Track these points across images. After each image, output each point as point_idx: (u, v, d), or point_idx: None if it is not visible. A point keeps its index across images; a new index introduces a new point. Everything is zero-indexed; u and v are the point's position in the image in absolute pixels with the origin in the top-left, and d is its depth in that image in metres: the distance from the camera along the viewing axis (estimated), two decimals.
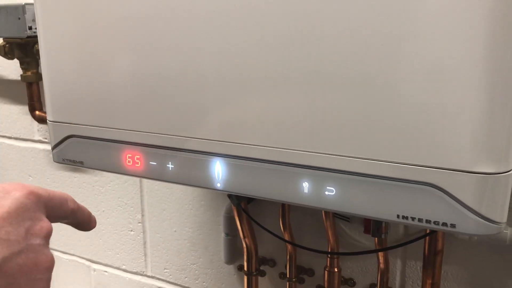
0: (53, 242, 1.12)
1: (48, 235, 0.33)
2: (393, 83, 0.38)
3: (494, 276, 0.69)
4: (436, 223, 0.39)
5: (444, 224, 0.39)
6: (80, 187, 1.04)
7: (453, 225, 0.39)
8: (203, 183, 0.49)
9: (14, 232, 0.30)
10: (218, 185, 0.49)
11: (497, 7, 0.34)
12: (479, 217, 0.38)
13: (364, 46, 0.39)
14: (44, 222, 0.33)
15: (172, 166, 0.50)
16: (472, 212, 0.38)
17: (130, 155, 0.53)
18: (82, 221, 0.39)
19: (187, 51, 0.46)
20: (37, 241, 0.32)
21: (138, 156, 0.52)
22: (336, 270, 0.73)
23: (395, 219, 0.41)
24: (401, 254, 0.74)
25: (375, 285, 0.73)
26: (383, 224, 0.64)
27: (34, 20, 0.83)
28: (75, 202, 0.38)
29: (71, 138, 0.56)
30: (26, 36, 0.83)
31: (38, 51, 0.88)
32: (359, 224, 0.73)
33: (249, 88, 0.44)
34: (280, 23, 0.41)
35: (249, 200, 0.78)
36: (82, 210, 0.39)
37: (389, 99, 0.39)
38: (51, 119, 0.57)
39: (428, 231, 0.65)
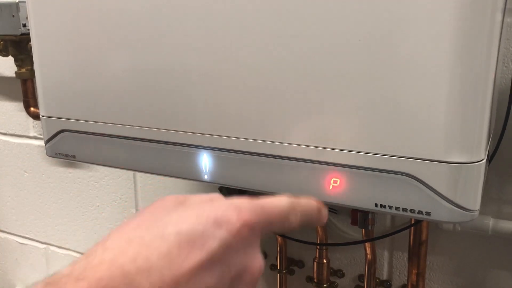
0: (48, 237, 1.13)
1: (258, 277, 0.28)
2: (370, 77, 0.40)
3: (478, 265, 0.70)
4: (412, 211, 0.41)
5: (420, 212, 0.41)
6: (75, 182, 1.05)
7: (428, 213, 0.40)
8: (191, 175, 0.51)
9: (217, 284, 0.25)
10: (206, 177, 0.50)
11: (465, 7, 0.36)
12: (453, 205, 0.40)
13: (342, 43, 0.40)
14: (256, 263, 0.27)
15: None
16: (446, 200, 0.39)
17: None
18: (308, 224, 0.32)
19: (174, 48, 0.47)
20: None
21: None
22: (325, 261, 0.75)
23: (374, 207, 0.42)
24: (388, 246, 0.76)
25: (363, 276, 0.75)
26: (370, 216, 0.65)
27: (28, 18, 0.84)
28: (296, 213, 0.30)
29: (63, 133, 0.58)
30: (20, 33, 0.84)
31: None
32: (346, 216, 0.75)
33: (234, 82, 0.45)
34: (262, 23, 0.43)
35: (241, 194, 0.80)
36: (306, 216, 0.31)
37: (367, 93, 0.40)
38: (44, 114, 0.58)
39: (412, 222, 0.67)
